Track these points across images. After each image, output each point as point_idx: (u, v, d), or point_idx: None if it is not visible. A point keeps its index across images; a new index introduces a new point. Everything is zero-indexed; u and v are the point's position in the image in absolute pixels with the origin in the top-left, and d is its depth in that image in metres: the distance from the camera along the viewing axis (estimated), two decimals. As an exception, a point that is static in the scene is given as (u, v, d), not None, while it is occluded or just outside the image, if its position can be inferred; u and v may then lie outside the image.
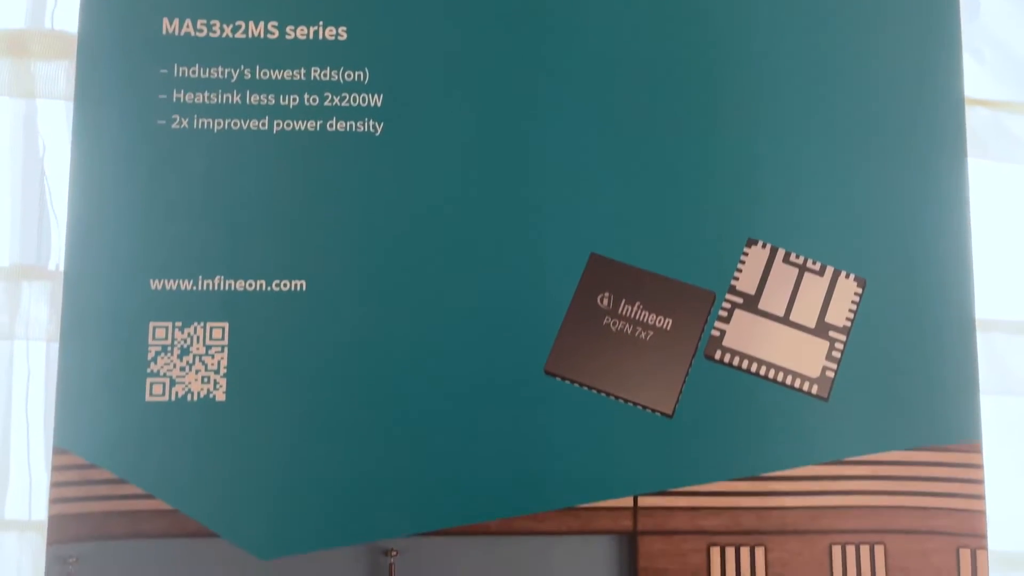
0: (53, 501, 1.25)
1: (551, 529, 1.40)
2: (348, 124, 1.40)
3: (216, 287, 1.39)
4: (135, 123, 1.37)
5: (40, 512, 1.73)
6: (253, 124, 1.38)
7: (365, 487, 1.39)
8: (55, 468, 1.26)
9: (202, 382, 1.35)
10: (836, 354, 1.42)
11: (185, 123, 1.34)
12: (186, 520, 1.32)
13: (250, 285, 1.38)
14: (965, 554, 1.37)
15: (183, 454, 1.33)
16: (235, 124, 1.37)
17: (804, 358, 1.40)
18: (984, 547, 1.34)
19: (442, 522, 1.40)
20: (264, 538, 1.33)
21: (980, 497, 1.37)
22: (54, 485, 1.25)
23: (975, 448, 1.37)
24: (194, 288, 1.37)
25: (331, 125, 1.39)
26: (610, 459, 1.45)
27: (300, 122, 1.38)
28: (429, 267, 1.46)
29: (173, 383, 1.35)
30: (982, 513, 1.36)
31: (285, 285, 1.39)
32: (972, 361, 1.38)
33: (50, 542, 1.23)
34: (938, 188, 1.52)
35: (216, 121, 1.37)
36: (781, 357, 1.41)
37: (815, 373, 1.44)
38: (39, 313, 1.90)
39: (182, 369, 1.35)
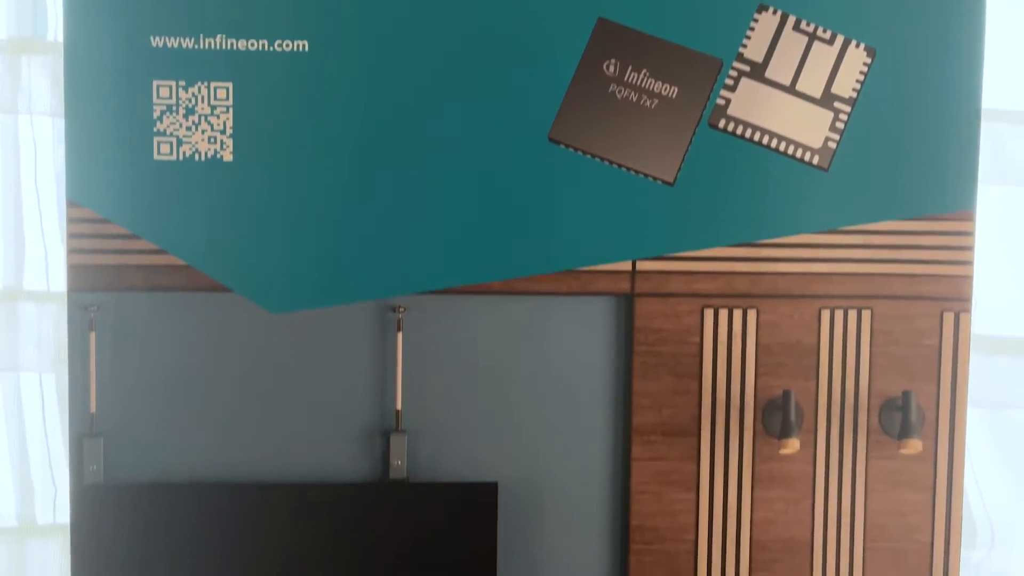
0: (70, 251, 1.29)
1: (552, 290, 1.45)
2: None
3: (218, 46, 1.36)
4: None
5: (58, 284, 1.78)
6: None
7: (373, 246, 1.43)
8: (70, 220, 1.29)
9: (209, 142, 1.35)
10: (839, 125, 1.42)
11: None
12: (200, 275, 1.37)
13: (252, 45, 1.36)
14: (948, 317, 1.43)
15: (193, 212, 1.36)
16: None
17: (807, 128, 1.40)
18: (968, 310, 1.39)
19: (448, 281, 1.45)
20: (276, 293, 1.38)
21: (968, 263, 1.41)
22: (70, 236, 1.29)
23: (968, 216, 1.40)
24: (196, 47, 1.35)
25: None
26: (611, 224, 1.47)
27: None
28: (433, 30, 1.43)
29: (180, 143, 1.36)
30: (969, 278, 1.40)
31: (288, 45, 1.37)
32: (974, 132, 1.38)
33: (70, 290, 1.28)
34: (958, -34, 1.47)
35: None
36: (785, 127, 1.41)
37: (817, 144, 1.44)
38: (41, 87, 1.89)
39: (188, 129, 1.35)
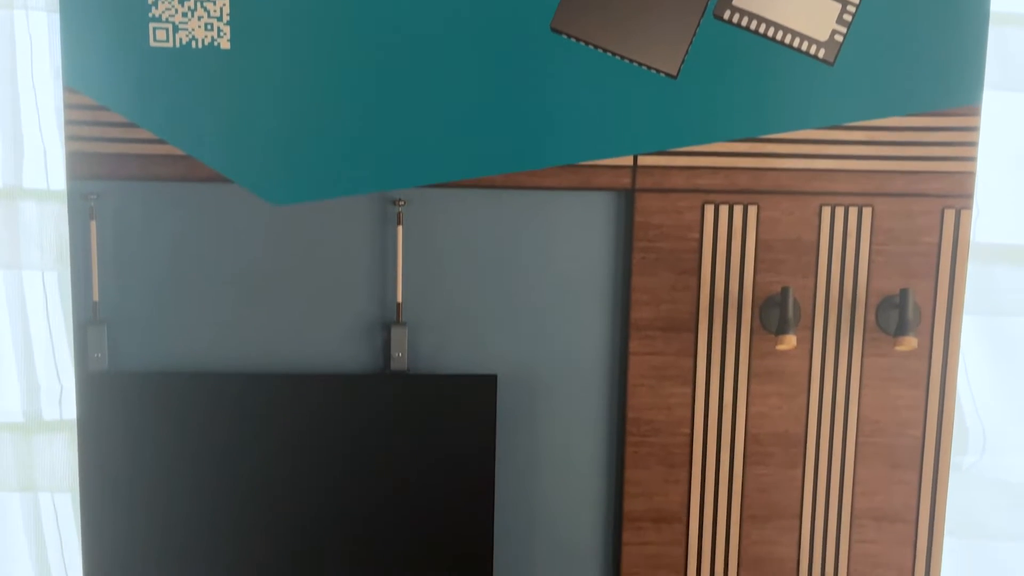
0: (68, 139, 1.28)
1: (553, 184, 1.44)
2: None
3: (214, -72, 1.34)
4: None
5: (58, 182, 1.78)
6: None
7: (374, 138, 1.42)
8: (67, 107, 1.28)
9: (205, 29, 1.33)
10: (847, 18, 1.40)
11: None
12: (200, 166, 1.36)
13: (248, -72, 1.34)
14: (949, 214, 1.43)
15: (192, 100, 1.35)
16: None
17: (814, 21, 1.38)
18: (969, 207, 1.39)
19: (448, 174, 1.45)
20: (276, 185, 1.37)
21: (972, 159, 1.40)
22: (68, 123, 1.28)
23: (974, 111, 1.38)
24: (191, -72, 1.32)
25: None
26: (613, 118, 1.46)
27: None
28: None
29: (176, 29, 1.34)
30: (972, 175, 1.40)
31: (284, -71, 1.34)
32: (983, 25, 1.35)
33: (69, 178, 1.28)
34: None
35: None
36: (791, 19, 1.39)
37: (824, 36, 1.42)
38: (35, -20, 1.85)
39: (184, 15, 1.33)
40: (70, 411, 1.81)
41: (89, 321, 1.31)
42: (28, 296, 1.86)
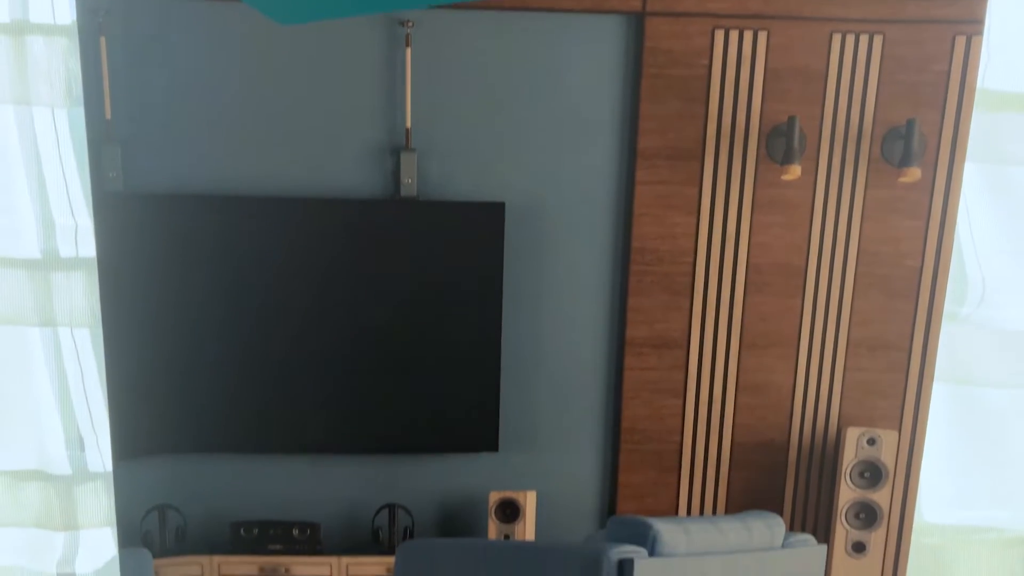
0: (74, -49, 1.28)
1: (563, 7, 1.42)
2: None
3: None
4: None
5: (64, 16, 1.76)
6: None
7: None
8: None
9: None
10: None
11: None
12: (207, -17, 1.36)
13: None
14: (960, 41, 1.42)
15: (198, -86, 1.33)
16: None
17: None
18: (980, 33, 1.38)
19: (456, -6, 1.44)
20: (284, 3, 1.36)
21: (986, -20, 1.39)
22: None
23: (991, -68, 1.36)
24: None
25: None
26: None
27: None
28: None
29: None
30: (984, -1, 1.39)
31: None
32: None
33: (77, -7, 1.28)
34: None
35: None
36: None
37: None
38: None
39: None
40: (86, 249, 1.84)
41: (103, 140, 1.33)
42: (39, 133, 1.86)
